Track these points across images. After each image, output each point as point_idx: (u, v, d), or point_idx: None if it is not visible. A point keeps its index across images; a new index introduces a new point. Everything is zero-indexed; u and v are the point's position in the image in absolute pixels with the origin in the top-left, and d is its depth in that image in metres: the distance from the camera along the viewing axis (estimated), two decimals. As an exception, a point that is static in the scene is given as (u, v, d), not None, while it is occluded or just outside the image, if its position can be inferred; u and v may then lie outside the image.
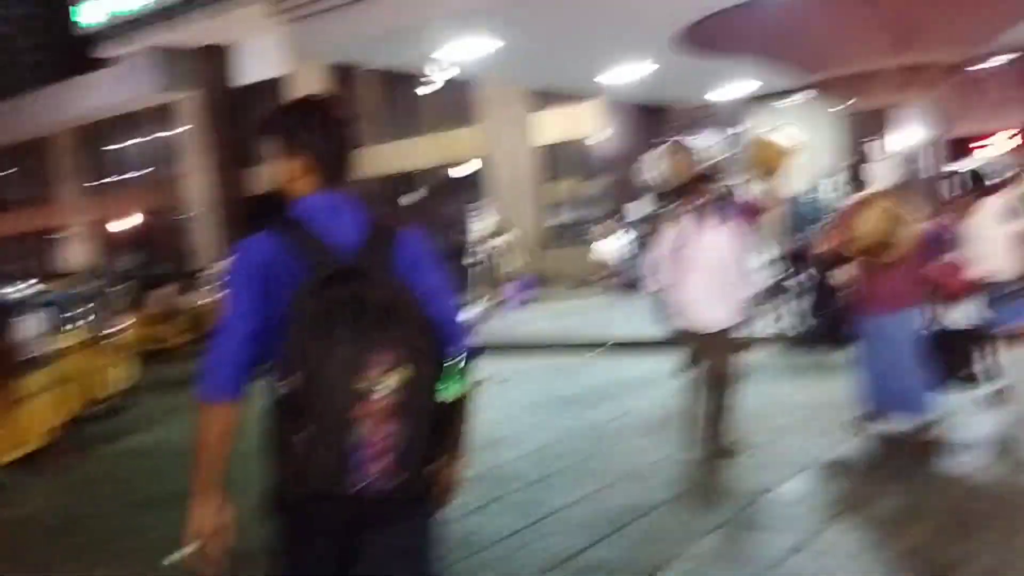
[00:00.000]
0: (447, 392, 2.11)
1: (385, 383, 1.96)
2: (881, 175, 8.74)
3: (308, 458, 1.99)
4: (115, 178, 32.58)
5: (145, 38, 27.77)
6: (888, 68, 12.83)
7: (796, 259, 9.87)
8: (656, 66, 16.16)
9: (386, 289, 2.09)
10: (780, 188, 8.79)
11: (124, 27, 28.52)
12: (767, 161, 9.58)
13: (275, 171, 2.36)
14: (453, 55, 12.65)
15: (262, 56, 27.41)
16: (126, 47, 28.45)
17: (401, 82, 25.30)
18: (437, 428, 2.10)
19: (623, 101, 21.40)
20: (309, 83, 26.75)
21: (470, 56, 12.91)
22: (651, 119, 22.55)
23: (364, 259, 2.22)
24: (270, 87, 27.93)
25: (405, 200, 25.99)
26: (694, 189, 10.09)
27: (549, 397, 8.77)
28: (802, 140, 9.43)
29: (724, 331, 5.90)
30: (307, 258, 2.18)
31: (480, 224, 13.90)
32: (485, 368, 9.86)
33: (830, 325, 6.14)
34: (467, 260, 13.81)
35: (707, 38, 14.47)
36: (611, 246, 18.70)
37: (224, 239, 27.99)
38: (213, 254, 27.55)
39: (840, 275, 5.96)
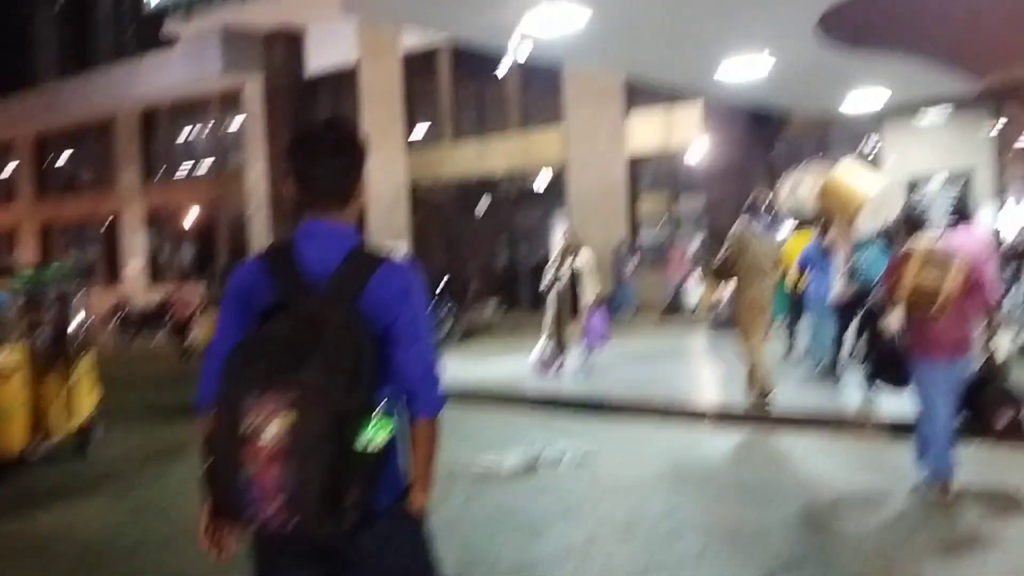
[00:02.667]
0: (367, 439, 1.96)
1: (271, 427, 1.90)
2: None
3: (211, 489, 2.03)
4: (176, 167, 30.90)
5: (214, 17, 25.90)
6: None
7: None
8: (773, 59, 13.27)
9: (313, 326, 1.99)
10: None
11: (193, 4, 26.73)
12: (838, 204, 8.95)
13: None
14: (536, 27, 10.07)
15: (334, 43, 25.35)
16: (195, 26, 26.64)
17: (482, 75, 22.93)
18: (353, 472, 1.95)
19: (731, 106, 18.54)
20: (383, 74, 24.63)
21: (556, 29, 10.31)
22: (761, 130, 19.66)
23: (328, 291, 2.13)
24: (341, 78, 25.88)
25: (480, 208, 23.53)
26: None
27: (652, 507, 5.53)
28: (882, 186, 8.95)
29: None
30: (276, 286, 2.16)
31: (560, 239, 11.18)
32: (560, 442, 6.47)
33: (879, 367, 6.05)
34: (544, 281, 11.06)
35: (853, 24, 11.67)
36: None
37: (283, 236, 25.96)
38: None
39: (891, 320, 5.70)
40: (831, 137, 19.29)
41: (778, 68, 13.65)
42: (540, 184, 23.21)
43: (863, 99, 16.47)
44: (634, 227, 21.01)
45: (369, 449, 1.96)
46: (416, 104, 24.68)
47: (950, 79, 15.65)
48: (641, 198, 21.36)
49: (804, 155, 19.64)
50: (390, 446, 2.04)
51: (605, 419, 8.37)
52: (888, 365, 5.85)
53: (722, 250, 8.33)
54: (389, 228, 24.35)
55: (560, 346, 10.68)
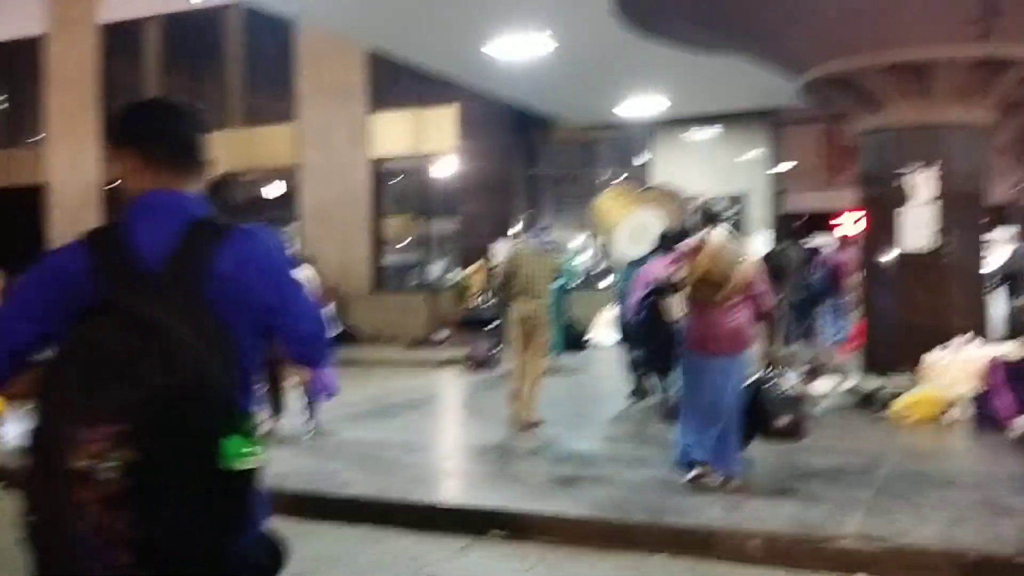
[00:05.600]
0: (233, 460, 1.56)
1: (110, 461, 1.50)
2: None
3: (39, 547, 1.61)
4: None
5: None
6: (959, 59, 8.22)
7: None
8: (555, 44, 10.97)
9: (147, 329, 1.58)
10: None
11: None
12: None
13: (110, 170, 1.98)
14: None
15: (15, 7, 20.63)
16: None
17: (199, 59, 19.29)
18: (217, 504, 1.58)
19: (491, 110, 16.18)
20: (74, 49, 20.22)
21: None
22: (522, 140, 17.46)
23: (165, 279, 1.71)
24: (23, 53, 21.09)
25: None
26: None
27: None
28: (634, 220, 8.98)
29: None
30: (98, 278, 1.74)
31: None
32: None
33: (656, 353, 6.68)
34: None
35: (656, 3, 9.56)
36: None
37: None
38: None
39: (672, 306, 6.01)
40: (598, 151, 17.40)
41: (556, 56, 11.35)
42: (268, 190, 19.76)
43: (638, 106, 14.61)
44: (379, 245, 18.07)
45: (239, 470, 1.58)
46: (115, 87, 20.39)
47: (732, 92, 14.22)
48: (387, 212, 18.46)
49: (569, 169, 17.73)
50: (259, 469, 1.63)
51: (335, 529, 5.34)
52: (659, 349, 6.24)
53: (499, 270, 8.09)
54: (77, 235, 19.86)
55: (274, 403, 7.52)
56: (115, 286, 1.69)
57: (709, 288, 5.36)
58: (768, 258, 9.85)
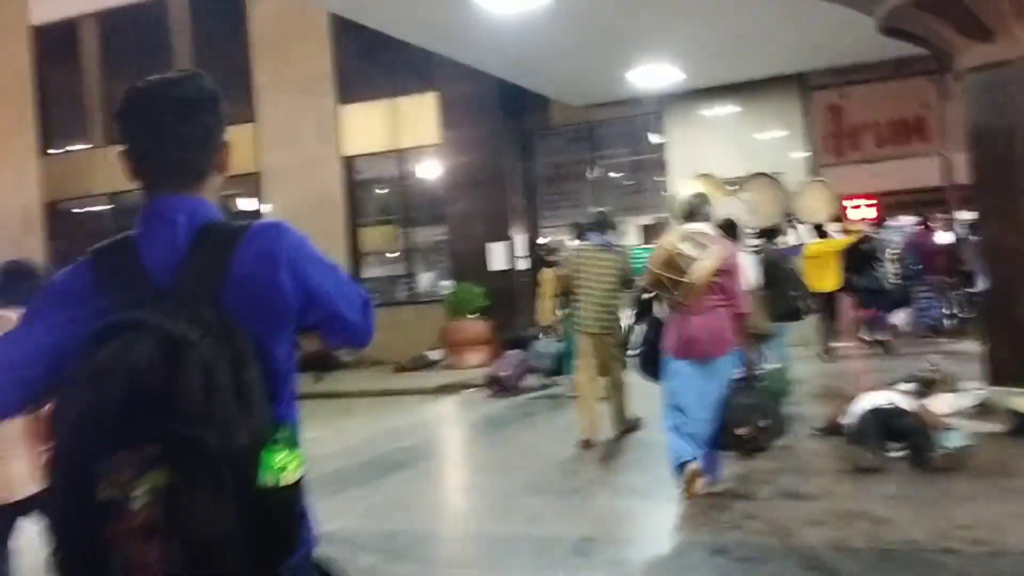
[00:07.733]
0: (273, 475, 1.41)
1: (140, 490, 1.34)
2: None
3: None
4: None
5: None
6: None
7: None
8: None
9: (166, 346, 1.40)
10: None
11: None
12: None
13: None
14: None
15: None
16: None
17: (141, 58, 17.13)
18: (258, 525, 1.39)
19: (477, 94, 14.10)
20: (6, 57, 18.03)
21: None
22: (514, 127, 15.29)
23: (177, 291, 1.55)
24: None
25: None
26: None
27: None
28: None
29: None
30: (108, 294, 1.58)
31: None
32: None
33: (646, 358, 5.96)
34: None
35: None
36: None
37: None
38: None
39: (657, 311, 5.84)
40: (602, 134, 15.24)
41: (552, 17, 9.26)
42: (228, 201, 17.59)
43: (647, 79, 12.51)
44: (358, 254, 15.90)
45: (278, 486, 1.42)
46: (54, 97, 18.20)
47: (755, 54, 12.21)
48: (365, 217, 16.29)
49: (569, 158, 15.59)
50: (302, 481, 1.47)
51: None
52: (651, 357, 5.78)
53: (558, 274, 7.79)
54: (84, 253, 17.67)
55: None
56: (124, 302, 1.52)
57: (667, 289, 5.27)
58: (858, 245, 9.08)
